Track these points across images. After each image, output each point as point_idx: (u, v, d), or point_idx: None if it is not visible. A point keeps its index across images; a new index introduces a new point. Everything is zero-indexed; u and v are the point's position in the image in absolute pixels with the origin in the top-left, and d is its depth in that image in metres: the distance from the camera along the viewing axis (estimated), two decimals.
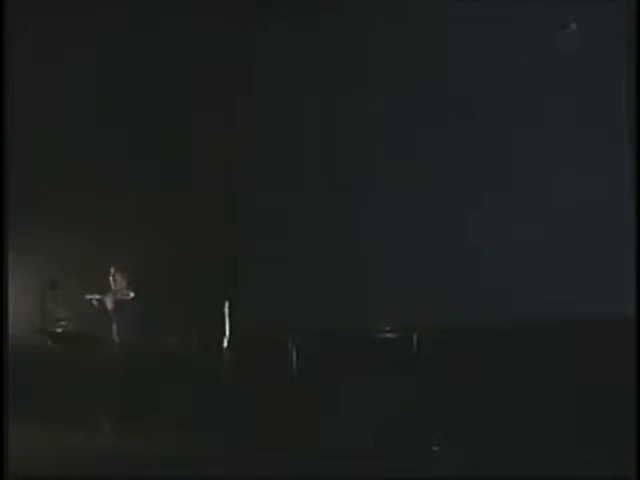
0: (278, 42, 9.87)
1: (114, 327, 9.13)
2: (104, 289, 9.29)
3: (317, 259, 9.66)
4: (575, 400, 7.37)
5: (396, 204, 9.53)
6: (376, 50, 9.55)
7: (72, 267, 9.69)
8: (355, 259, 9.55)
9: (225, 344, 9.24)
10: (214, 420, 8.38)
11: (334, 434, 7.62)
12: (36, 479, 6.71)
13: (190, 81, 9.94)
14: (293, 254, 9.81)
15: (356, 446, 7.34)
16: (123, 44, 9.96)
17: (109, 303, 9.21)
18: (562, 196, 8.67)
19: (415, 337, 8.37)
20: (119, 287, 9.26)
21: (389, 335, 8.65)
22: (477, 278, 8.85)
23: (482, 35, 9.10)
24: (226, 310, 9.39)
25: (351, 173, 9.74)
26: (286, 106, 9.87)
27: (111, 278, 9.30)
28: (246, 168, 10.34)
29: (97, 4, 9.83)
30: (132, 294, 9.20)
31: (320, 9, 9.66)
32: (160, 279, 9.66)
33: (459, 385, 7.85)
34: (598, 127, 8.53)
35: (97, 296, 9.22)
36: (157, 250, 9.82)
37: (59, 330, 9.32)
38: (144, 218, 10.02)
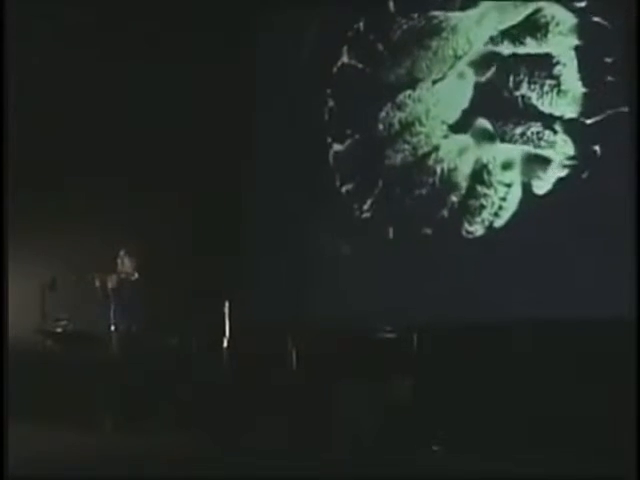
0: None
1: (114, 327, 9.14)
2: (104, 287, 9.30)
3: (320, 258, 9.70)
4: (575, 401, 7.37)
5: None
6: None
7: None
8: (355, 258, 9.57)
9: (225, 341, 9.23)
10: (213, 420, 8.39)
11: (334, 435, 7.63)
12: (36, 479, 6.72)
13: None
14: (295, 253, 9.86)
15: (356, 446, 7.34)
16: None
17: (109, 302, 9.22)
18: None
19: (415, 337, 8.36)
20: (118, 285, 9.26)
21: (389, 335, 8.64)
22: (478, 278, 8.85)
23: None
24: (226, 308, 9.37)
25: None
26: None
27: (111, 275, 9.31)
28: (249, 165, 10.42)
29: None
30: (131, 294, 9.21)
31: None
32: (160, 278, 9.68)
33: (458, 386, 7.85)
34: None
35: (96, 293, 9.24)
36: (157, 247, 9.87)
37: (59, 330, 9.32)
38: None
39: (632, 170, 7.61)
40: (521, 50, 8.75)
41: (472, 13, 9.13)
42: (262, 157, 10.36)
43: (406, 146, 9.46)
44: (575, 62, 8.46)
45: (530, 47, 8.72)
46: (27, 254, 9.74)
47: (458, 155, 9.09)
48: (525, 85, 8.69)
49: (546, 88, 8.60)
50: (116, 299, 9.18)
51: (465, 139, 9.04)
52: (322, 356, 8.66)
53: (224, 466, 6.91)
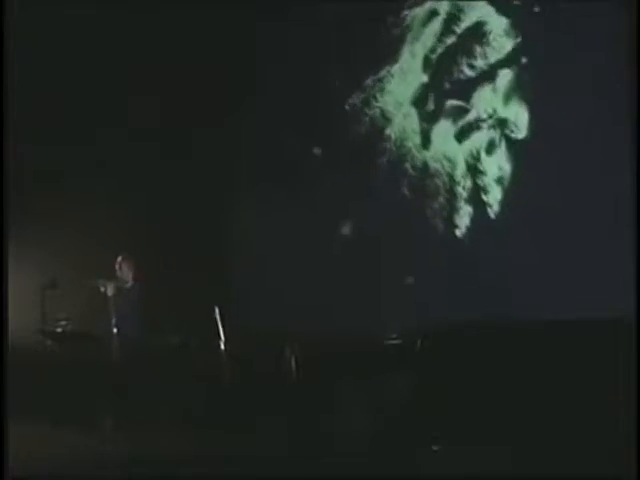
0: None
1: (114, 327, 9.14)
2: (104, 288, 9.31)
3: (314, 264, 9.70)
4: (574, 401, 7.37)
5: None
6: None
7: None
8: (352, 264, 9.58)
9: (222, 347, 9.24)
10: (213, 422, 8.40)
11: (332, 439, 7.63)
12: (36, 479, 6.72)
13: None
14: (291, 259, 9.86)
15: (354, 450, 7.34)
16: None
17: (109, 303, 9.22)
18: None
19: (416, 342, 8.36)
20: (118, 287, 9.26)
21: (388, 342, 8.65)
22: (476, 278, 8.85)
23: None
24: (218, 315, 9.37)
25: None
26: None
27: (111, 277, 9.32)
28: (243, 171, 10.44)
29: None
30: (131, 295, 9.21)
31: None
32: (160, 279, 9.69)
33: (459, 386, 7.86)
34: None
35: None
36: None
37: (59, 330, 9.32)
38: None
39: (632, 170, 7.62)
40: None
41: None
42: (260, 162, 10.39)
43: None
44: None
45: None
46: (28, 254, 9.75)
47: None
48: None
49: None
50: (116, 299, 9.18)
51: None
52: (321, 359, 8.68)
53: (224, 466, 6.90)
